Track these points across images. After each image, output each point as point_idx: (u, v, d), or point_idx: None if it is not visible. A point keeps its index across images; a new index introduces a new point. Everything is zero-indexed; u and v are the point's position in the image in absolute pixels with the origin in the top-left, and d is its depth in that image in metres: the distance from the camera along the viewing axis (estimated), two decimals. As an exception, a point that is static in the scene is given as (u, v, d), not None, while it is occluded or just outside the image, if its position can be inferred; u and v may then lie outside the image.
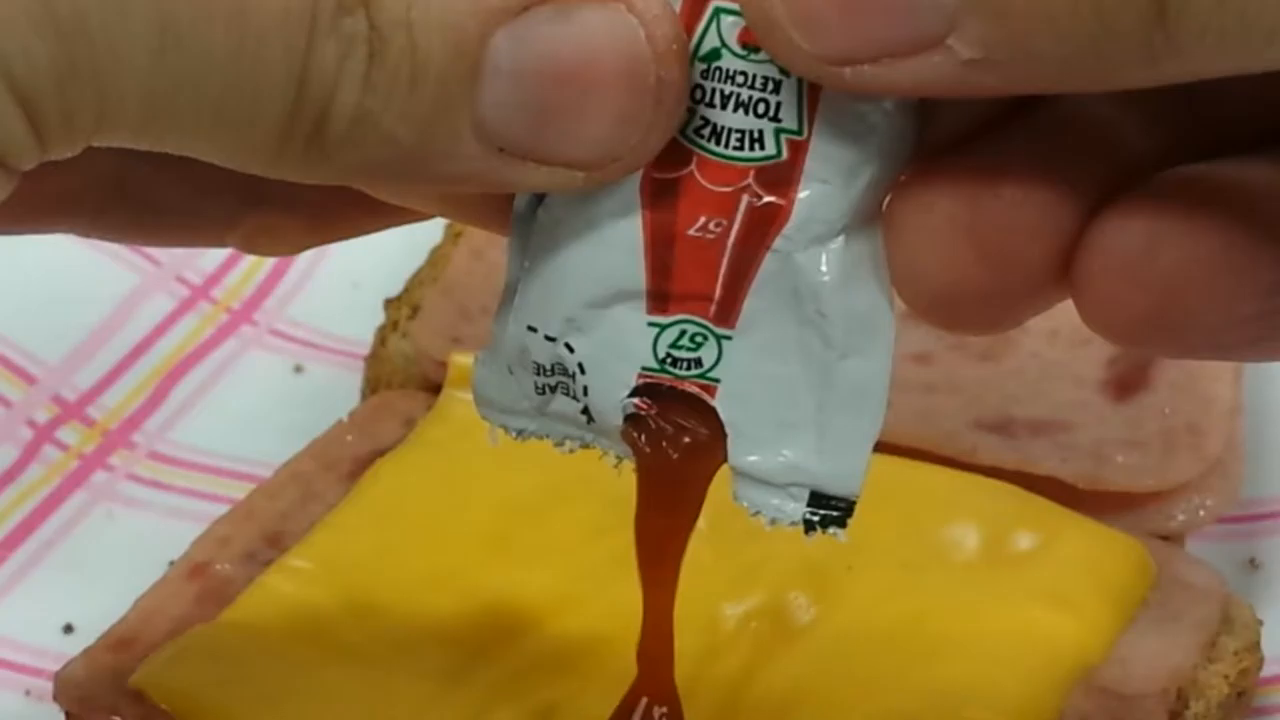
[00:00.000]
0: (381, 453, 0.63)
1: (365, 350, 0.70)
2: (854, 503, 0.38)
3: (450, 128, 0.35)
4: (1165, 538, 0.62)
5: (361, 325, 0.71)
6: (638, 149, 0.36)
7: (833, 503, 0.38)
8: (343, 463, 0.63)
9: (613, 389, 0.38)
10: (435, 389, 0.65)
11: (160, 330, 0.74)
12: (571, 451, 0.40)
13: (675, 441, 0.39)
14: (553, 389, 0.39)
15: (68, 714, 0.56)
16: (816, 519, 0.38)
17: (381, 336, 0.69)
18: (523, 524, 0.59)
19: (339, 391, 0.71)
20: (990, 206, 0.35)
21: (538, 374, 0.39)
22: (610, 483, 0.60)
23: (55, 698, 0.56)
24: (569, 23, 0.34)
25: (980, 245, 0.35)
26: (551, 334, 0.38)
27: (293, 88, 0.33)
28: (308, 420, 0.66)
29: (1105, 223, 0.35)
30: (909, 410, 0.64)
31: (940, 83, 0.33)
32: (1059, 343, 0.67)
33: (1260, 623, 0.59)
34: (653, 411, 0.38)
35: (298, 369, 0.74)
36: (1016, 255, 0.35)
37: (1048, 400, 0.65)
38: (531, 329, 0.39)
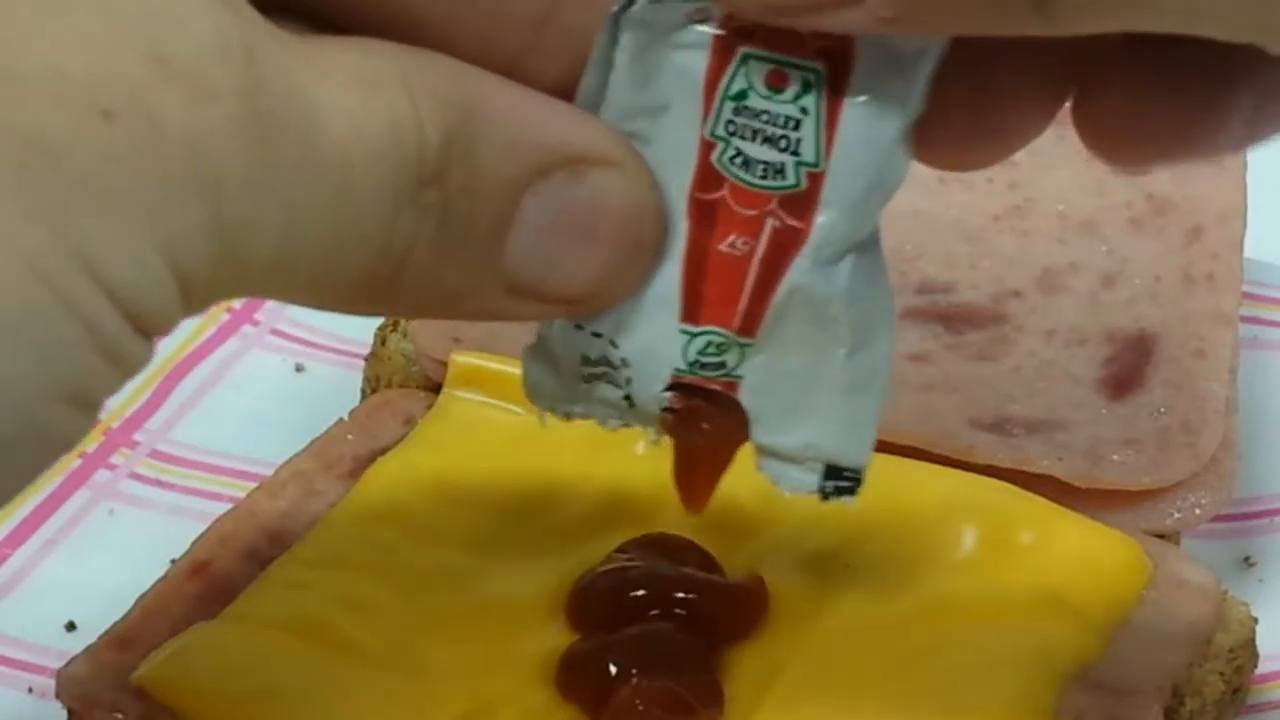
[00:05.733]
0: (381, 452, 0.63)
1: (365, 350, 0.70)
2: (863, 474, 0.43)
3: (483, 275, 0.39)
4: (1161, 536, 0.62)
5: (362, 325, 0.71)
6: (617, 290, 0.41)
7: (845, 474, 0.43)
8: (343, 461, 0.63)
9: (651, 384, 0.42)
10: (435, 389, 0.65)
11: (161, 330, 0.75)
12: (614, 429, 0.44)
13: (702, 430, 0.43)
14: (598, 378, 0.43)
15: (70, 712, 0.56)
16: (830, 488, 0.43)
17: (382, 336, 0.69)
18: (521, 523, 0.59)
19: (339, 391, 0.71)
20: (986, 86, 0.40)
21: (584, 365, 0.43)
22: (609, 482, 0.60)
23: (58, 695, 0.56)
24: (581, 185, 0.39)
25: (979, 113, 0.41)
26: (599, 331, 0.42)
27: (376, 256, 0.38)
28: (308, 419, 0.66)
29: (1097, 93, 0.40)
30: (906, 409, 0.64)
31: (862, 29, 0.38)
32: (1055, 342, 0.67)
33: (1255, 620, 0.59)
34: (684, 405, 0.43)
35: (299, 368, 0.74)
36: (1009, 120, 0.41)
37: (1044, 399, 0.65)
38: (579, 326, 0.42)
